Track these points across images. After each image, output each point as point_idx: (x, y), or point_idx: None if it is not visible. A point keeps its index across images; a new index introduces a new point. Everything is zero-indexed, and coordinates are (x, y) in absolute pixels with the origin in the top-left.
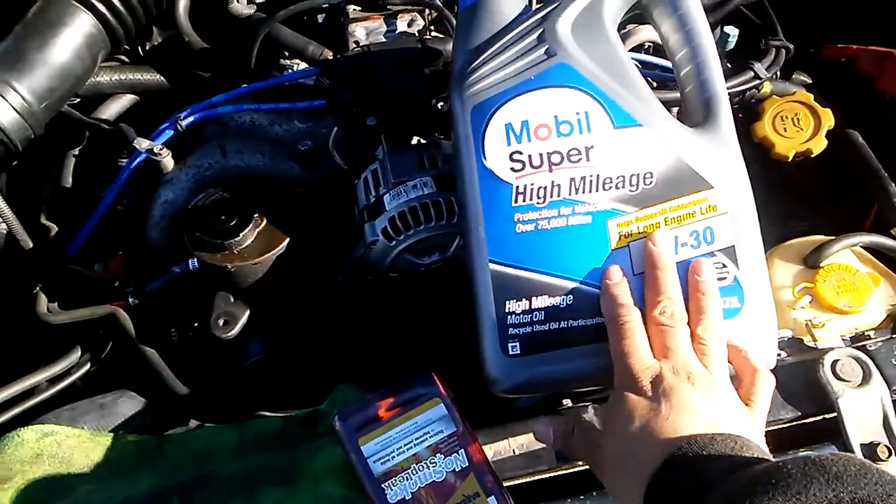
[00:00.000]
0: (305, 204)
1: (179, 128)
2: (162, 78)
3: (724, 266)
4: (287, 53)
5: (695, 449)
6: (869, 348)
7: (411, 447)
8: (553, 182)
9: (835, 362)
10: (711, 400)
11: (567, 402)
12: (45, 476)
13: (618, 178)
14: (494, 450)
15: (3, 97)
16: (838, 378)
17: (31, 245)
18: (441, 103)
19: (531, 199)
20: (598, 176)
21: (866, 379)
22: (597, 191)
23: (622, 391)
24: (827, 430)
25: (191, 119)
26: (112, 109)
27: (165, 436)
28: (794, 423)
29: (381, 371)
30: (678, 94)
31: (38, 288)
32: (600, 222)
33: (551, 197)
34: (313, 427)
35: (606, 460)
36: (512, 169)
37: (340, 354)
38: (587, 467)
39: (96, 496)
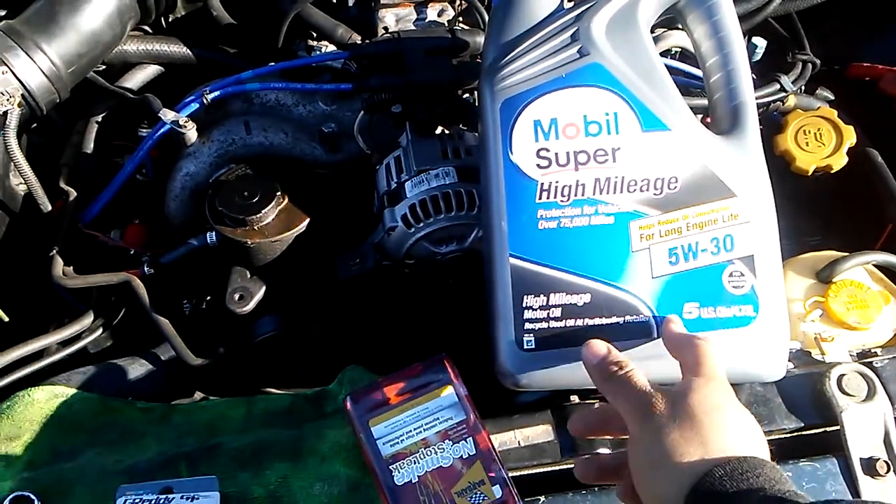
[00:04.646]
0: (327, 186)
1: (205, 101)
2: (188, 51)
3: (742, 274)
4: (315, 35)
5: (724, 480)
6: (875, 365)
7: (420, 432)
8: (578, 181)
9: (841, 376)
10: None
11: (574, 398)
12: (53, 436)
13: (643, 180)
14: (500, 440)
15: (32, 59)
16: (843, 392)
17: (49, 208)
18: (467, 94)
19: (555, 197)
20: (622, 178)
21: (871, 394)
22: (621, 192)
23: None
24: (829, 442)
25: (217, 93)
26: (136, 79)
27: (173, 405)
28: (797, 433)
29: (391, 356)
30: (703, 102)
31: (54, 251)
32: (622, 224)
33: (575, 196)
34: (321, 406)
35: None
36: (538, 165)
37: (351, 337)
38: None
39: (103, 459)
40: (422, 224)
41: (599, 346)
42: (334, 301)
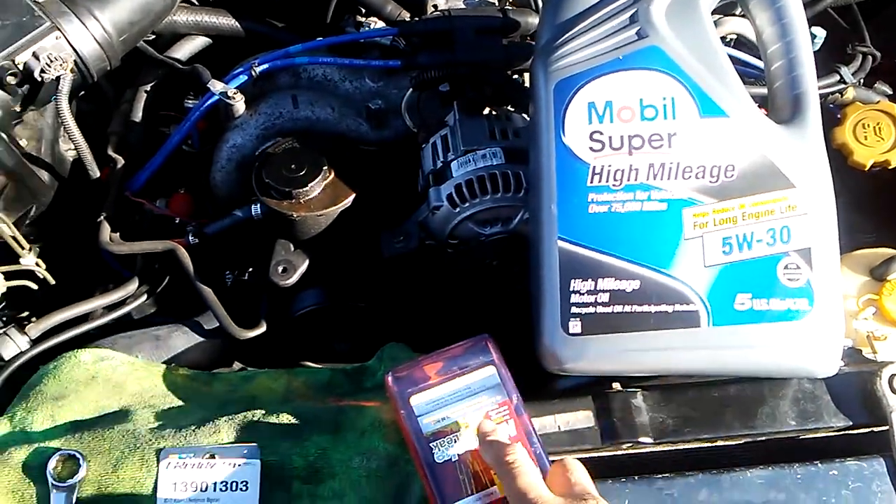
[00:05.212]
0: (372, 163)
1: (253, 73)
2: (236, 23)
3: (798, 267)
4: (364, 11)
5: None
6: None
7: (462, 411)
8: (631, 165)
9: (892, 376)
10: None
11: (616, 386)
12: (98, 397)
13: (698, 167)
14: (539, 424)
15: (84, 25)
16: (894, 392)
17: (97, 174)
18: (517, 75)
19: (607, 181)
20: (678, 164)
21: None
22: (675, 178)
23: None
24: (877, 442)
25: (265, 66)
26: (185, 50)
27: (215, 373)
28: (844, 432)
29: (431, 335)
30: (758, 90)
31: (101, 217)
32: (676, 211)
33: (628, 180)
34: (360, 382)
35: None
36: (591, 148)
37: (392, 314)
38: (632, 450)
39: (147, 422)
40: (467, 204)
41: (489, 425)
42: (377, 278)
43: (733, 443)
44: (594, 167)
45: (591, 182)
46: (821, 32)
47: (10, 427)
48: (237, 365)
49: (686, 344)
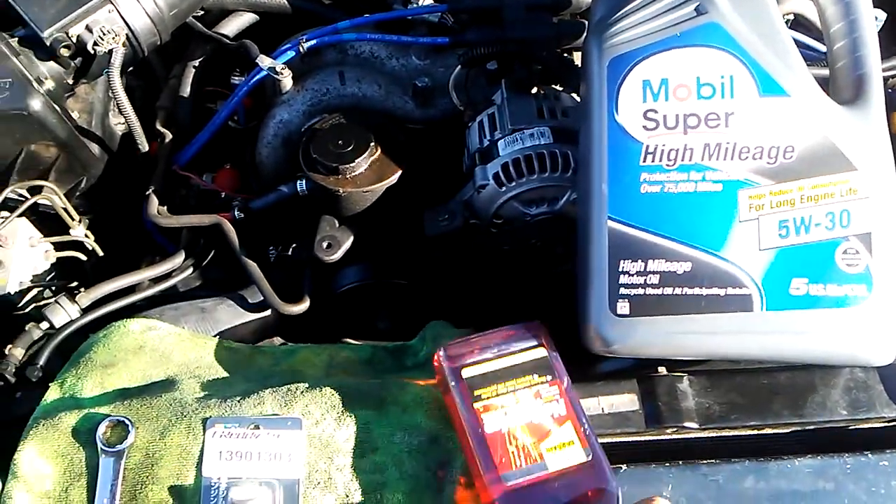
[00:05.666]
0: (418, 140)
1: (301, 49)
2: (284, 0)
3: (857, 252)
4: None
5: None
6: None
7: (512, 387)
8: (686, 145)
9: None
10: None
11: (662, 370)
12: (146, 366)
13: (756, 148)
14: (584, 406)
15: (137, 0)
16: None
17: (146, 148)
18: (567, 54)
19: (660, 161)
20: (734, 144)
21: None
22: (731, 159)
23: None
24: None
25: (313, 42)
26: (233, 26)
27: (258, 346)
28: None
29: (473, 315)
30: (818, 72)
31: (150, 190)
32: (731, 192)
33: (682, 160)
34: (401, 359)
35: None
36: (644, 127)
37: (435, 293)
38: (676, 435)
39: (193, 392)
40: (513, 184)
41: None
42: (421, 256)
43: (781, 431)
44: (647, 146)
45: (644, 161)
46: (881, 15)
47: (60, 393)
48: (279, 340)
49: (738, 328)
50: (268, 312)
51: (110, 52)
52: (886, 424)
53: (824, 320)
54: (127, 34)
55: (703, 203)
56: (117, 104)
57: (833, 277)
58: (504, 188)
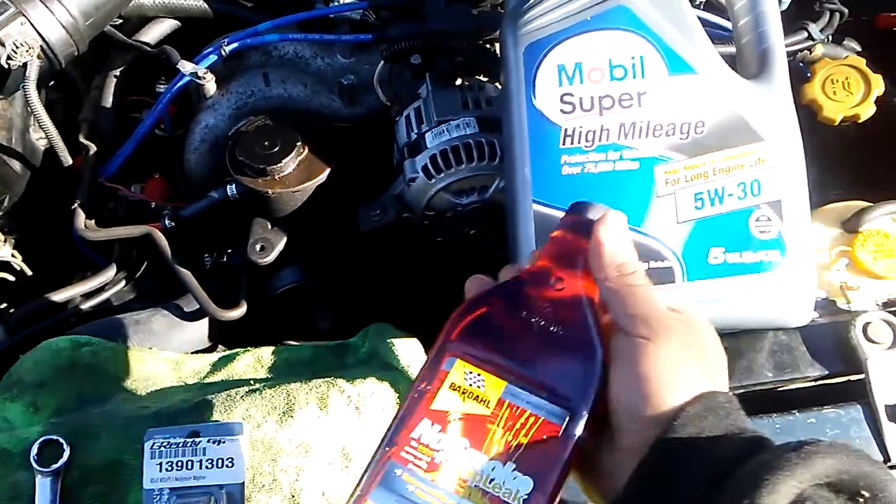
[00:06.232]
0: (347, 138)
1: (223, 53)
2: (204, 4)
3: (769, 219)
4: None
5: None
6: None
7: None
8: (602, 126)
9: (866, 325)
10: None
11: None
12: (79, 383)
13: (668, 125)
14: None
15: (50, 10)
16: (869, 340)
17: (70, 162)
18: (488, 44)
19: (579, 142)
20: (648, 122)
21: None
22: (646, 137)
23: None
24: (853, 390)
25: (235, 45)
26: (153, 33)
27: (196, 354)
28: (821, 381)
29: (410, 308)
30: (727, 49)
31: (76, 204)
32: (647, 169)
33: (600, 141)
34: (342, 358)
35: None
36: (562, 111)
37: (371, 289)
38: None
39: (129, 406)
40: (442, 175)
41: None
42: (355, 253)
43: None
44: (566, 129)
45: (564, 144)
46: None
47: None
48: (219, 347)
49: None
50: (205, 320)
51: (25, 65)
52: (812, 384)
53: (743, 286)
54: (41, 46)
55: (622, 181)
56: (36, 118)
57: (748, 245)
58: (433, 180)
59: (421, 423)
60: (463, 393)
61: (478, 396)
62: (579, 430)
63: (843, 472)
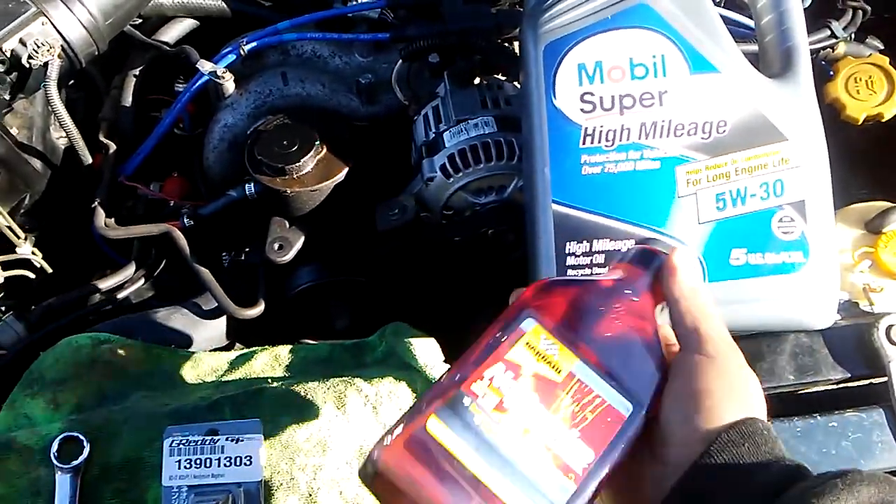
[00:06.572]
0: (365, 137)
1: (242, 52)
2: (223, 4)
3: (792, 220)
4: None
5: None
6: None
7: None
8: (623, 125)
9: (889, 327)
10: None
11: None
12: (99, 381)
13: (690, 124)
14: None
15: (70, 10)
16: (892, 343)
17: (90, 161)
18: (507, 43)
19: (599, 142)
20: (669, 121)
21: None
22: (667, 136)
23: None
24: (876, 393)
25: (253, 44)
26: (173, 33)
27: (214, 352)
28: (843, 384)
29: (429, 307)
30: (749, 48)
31: (95, 202)
32: (668, 169)
33: (620, 140)
34: (360, 356)
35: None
36: (582, 110)
37: (390, 288)
38: None
39: (149, 403)
40: (461, 174)
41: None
42: (373, 252)
43: None
44: (586, 128)
45: (584, 144)
46: None
47: (12, 413)
48: (237, 344)
49: None
50: (223, 318)
51: (46, 65)
52: (834, 387)
53: (765, 287)
54: (62, 45)
55: (643, 181)
56: (56, 117)
57: (771, 246)
58: (452, 179)
59: (495, 366)
60: (537, 353)
61: (550, 362)
62: (640, 424)
63: (885, 501)
